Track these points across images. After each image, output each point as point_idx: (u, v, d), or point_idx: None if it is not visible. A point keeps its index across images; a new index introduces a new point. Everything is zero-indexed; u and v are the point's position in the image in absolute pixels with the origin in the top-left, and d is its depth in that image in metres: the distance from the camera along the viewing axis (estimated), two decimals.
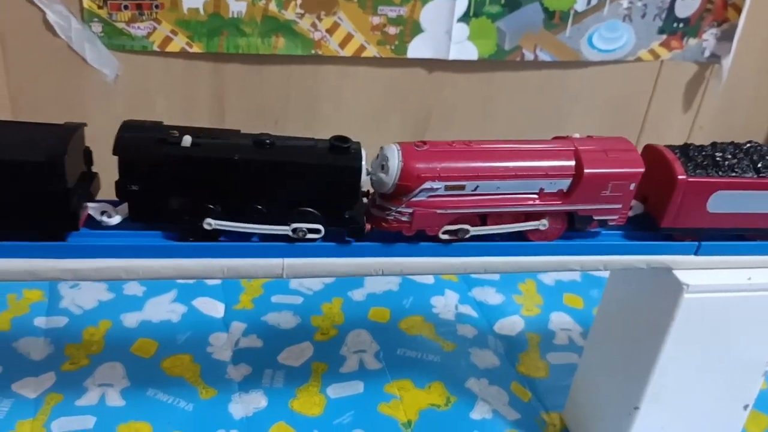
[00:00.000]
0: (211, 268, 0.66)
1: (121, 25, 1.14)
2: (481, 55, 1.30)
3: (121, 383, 0.95)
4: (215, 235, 0.67)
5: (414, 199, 0.67)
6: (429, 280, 1.24)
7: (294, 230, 0.67)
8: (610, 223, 0.74)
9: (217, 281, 1.18)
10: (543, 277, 1.28)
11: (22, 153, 0.61)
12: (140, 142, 0.65)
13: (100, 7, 1.12)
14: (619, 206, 0.73)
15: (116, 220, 0.67)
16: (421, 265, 0.72)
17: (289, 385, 0.99)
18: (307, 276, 0.70)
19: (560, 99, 1.40)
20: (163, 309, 1.10)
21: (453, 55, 1.28)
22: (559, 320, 1.18)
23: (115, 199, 0.66)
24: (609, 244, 0.76)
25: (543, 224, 0.72)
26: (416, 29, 1.25)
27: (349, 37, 1.24)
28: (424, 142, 0.69)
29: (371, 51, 1.26)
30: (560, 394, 1.00)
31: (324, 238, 0.69)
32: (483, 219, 0.71)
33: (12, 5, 1.09)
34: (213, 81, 1.23)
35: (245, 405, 0.95)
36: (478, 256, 0.72)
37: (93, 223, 0.66)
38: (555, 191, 0.71)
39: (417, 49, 1.27)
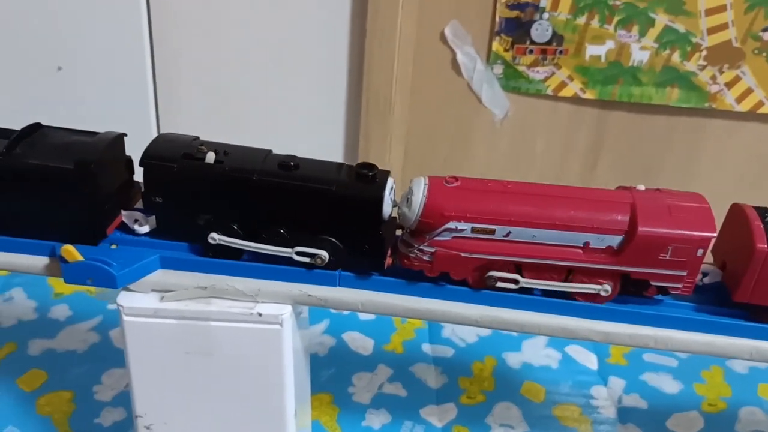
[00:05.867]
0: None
1: (521, 68, 1.17)
2: None
3: (520, 426, 0.96)
4: (235, 253, 0.66)
5: (437, 238, 0.62)
6: None
7: (313, 256, 0.64)
8: (673, 292, 0.63)
9: None
10: None
11: (56, 159, 0.63)
12: (165, 155, 0.64)
13: (506, 50, 1.16)
14: (683, 273, 0.61)
15: (145, 229, 0.68)
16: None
17: None
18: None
19: None
20: (540, 353, 1.10)
21: None
22: None
23: None
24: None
25: (605, 290, 0.63)
26: None
27: (747, 92, 1.17)
28: (456, 178, 0.63)
29: None
30: None
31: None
32: (520, 270, 0.64)
33: (429, 44, 1.16)
34: (595, 127, 1.22)
35: None
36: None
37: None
38: (603, 247, 0.62)
39: None
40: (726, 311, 0.65)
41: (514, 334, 1.14)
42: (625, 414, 1.00)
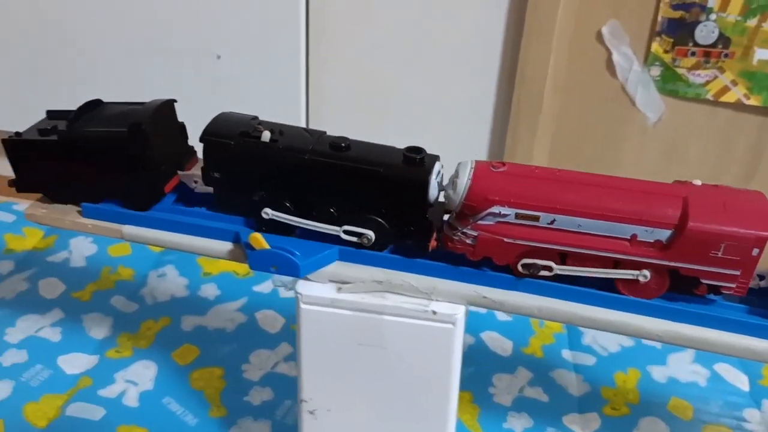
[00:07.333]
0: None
1: (681, 71, 1.12)
2: None
3: None
4: (287, 229, 0.67)
5: (480, 222, 0.62)
6: None
7: (360, 235, 0.65)
8: (725, 291, 0.60)
9: None
10: None
11: (112, 125, 0.68)
12: (223, 132, 0.67)
13: (666, 52, 1.11)
14: (737, 273, 0.58)
15: (203, 188, 0.73)
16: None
17: None
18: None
19: None
20: (687, 368, 1.06)
21: None
22: None
23: None
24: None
25: (644, 275, 0.61)
26: None
27: None
28: (503, 164, 0.63)
29: None
30: None
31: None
32: (564, 259, 0.63)
33: (585, 42, 1.13)
34: (755, 135, 1.16)
35: None
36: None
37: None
38: (651, 241, 0.60)
39: None
40: None
41: (658, 346, 1.10)
42: None
